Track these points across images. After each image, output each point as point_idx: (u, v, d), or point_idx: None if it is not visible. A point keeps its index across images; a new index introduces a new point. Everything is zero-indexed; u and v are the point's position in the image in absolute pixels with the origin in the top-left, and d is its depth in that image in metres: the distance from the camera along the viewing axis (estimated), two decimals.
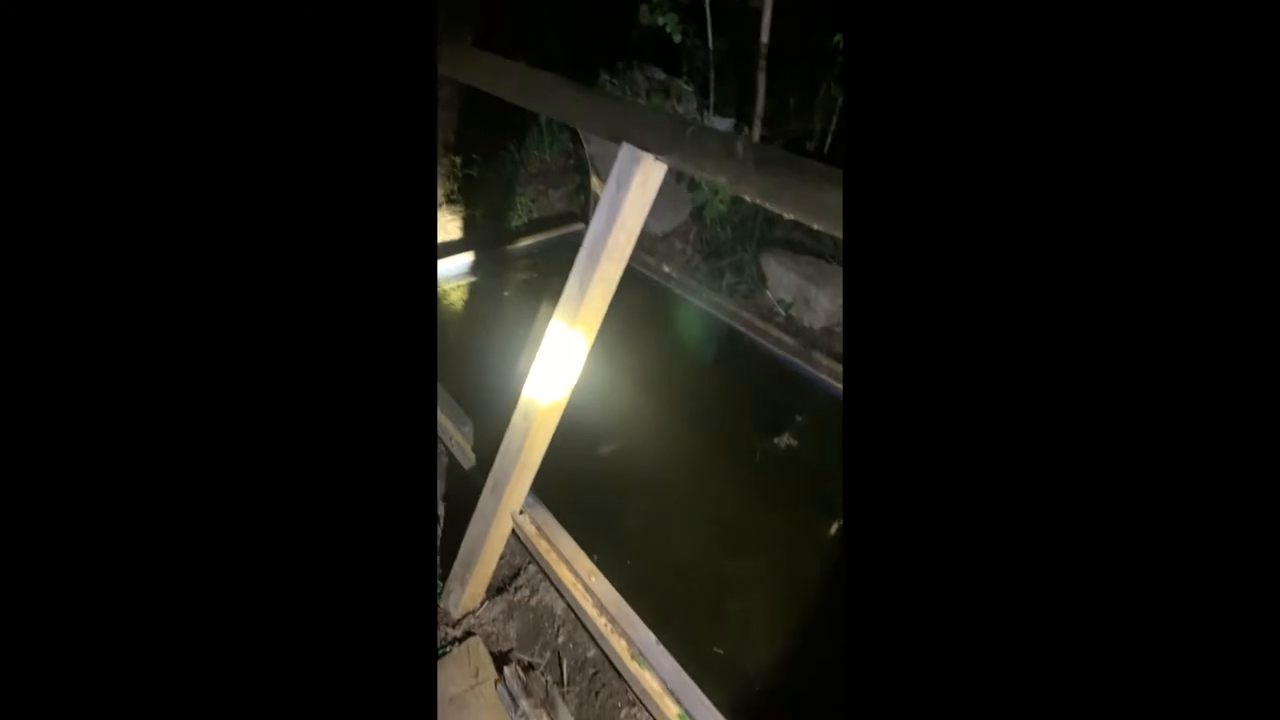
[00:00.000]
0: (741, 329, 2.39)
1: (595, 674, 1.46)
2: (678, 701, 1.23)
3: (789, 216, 0.96)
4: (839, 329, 2.46)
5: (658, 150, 1.14)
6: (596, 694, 1.42)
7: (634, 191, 1.16)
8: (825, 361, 2.18)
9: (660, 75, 2.90)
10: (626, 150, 1.17)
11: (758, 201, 1.01)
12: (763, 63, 2.62)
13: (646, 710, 1.32)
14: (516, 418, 1.39)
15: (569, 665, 1.47)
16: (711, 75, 2.79)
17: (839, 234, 0.78)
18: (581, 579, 1.45)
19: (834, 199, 0.84)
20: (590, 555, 1.51)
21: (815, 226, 0.90)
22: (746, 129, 2.75)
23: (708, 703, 1.22)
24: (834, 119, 2.73)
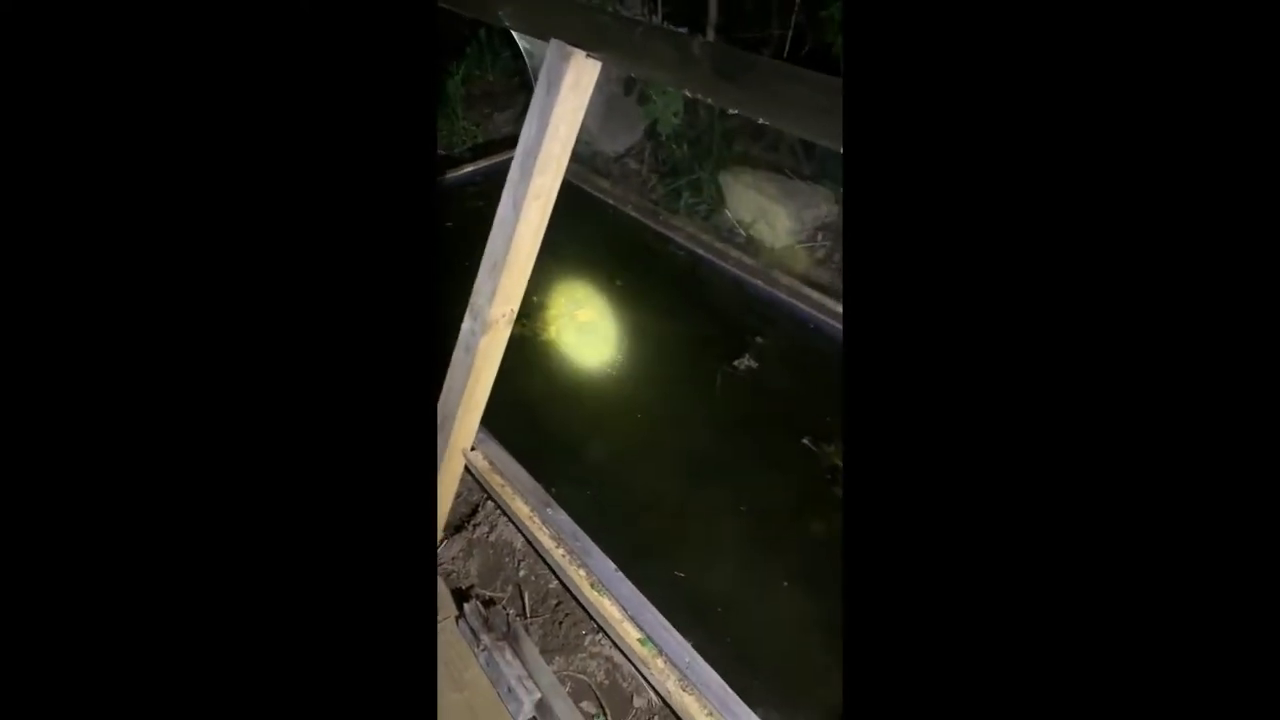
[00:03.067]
0: (700, 251, 2.31)
1: (558, 604, 1.45)
2: (638, 626, 1.23)
3: (761, 121, 0.86)
4: (800, 247, 2.40)
5: (591, 47, 1.02)
6: (560, 623, 1.41)
7: (565, 94, 1.04)
8: (785, 281, 2.13)
9: None
10: (555, 47, 1.04)
11: (713, 101, 0.91)
12: None
13: (608, 637, 1.32)
14: (457, 352, 1.31)
15: (531, 597, 1.46)
16: None
17: (804, 134, 0.70)
18: (538, 512, 1.42)
19: (799, 94, 0.75)
20: (548, 488, 1.47)
21: (781, 127, 0.81)
22: (700, 36, 2.57)
23: (667, 624, 1.22)
24: (792, 23, 2.56)
